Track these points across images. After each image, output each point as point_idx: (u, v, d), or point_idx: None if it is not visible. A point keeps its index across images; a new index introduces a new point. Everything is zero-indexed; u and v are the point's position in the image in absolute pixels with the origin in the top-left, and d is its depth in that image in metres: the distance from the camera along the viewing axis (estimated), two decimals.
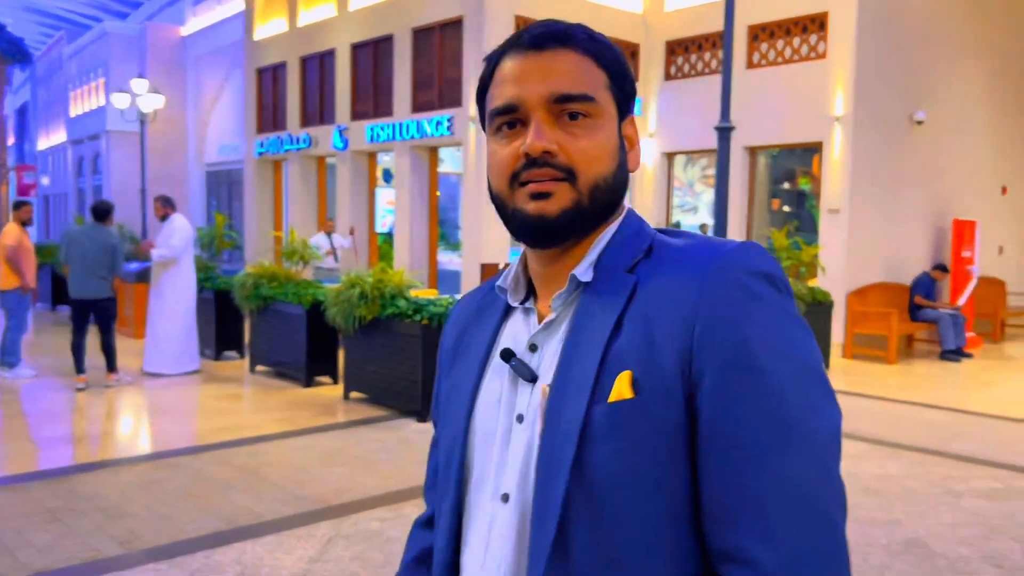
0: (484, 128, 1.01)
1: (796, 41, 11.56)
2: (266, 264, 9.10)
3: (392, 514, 4.71)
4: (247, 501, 4.90)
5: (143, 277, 10.88)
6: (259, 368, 9.09)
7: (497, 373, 1.01)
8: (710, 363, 0.85)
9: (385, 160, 15.01)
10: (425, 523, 1.21)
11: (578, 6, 12.14)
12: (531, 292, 1.04)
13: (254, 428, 6.65)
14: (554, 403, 0.91)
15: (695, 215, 16.01)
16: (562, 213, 0.93)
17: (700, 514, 0.87)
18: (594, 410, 0.88)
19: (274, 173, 16.70)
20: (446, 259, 13.94)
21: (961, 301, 11.91)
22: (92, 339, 8.45)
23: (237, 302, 9.08)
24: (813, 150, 12.23)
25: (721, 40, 12.40)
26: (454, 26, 11.77)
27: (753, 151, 12.19)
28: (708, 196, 16.64)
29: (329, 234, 12.81)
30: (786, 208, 15.71)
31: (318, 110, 14.64)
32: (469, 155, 11.45)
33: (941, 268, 11.39)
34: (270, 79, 15.91)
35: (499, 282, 1.06)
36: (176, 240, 8.63)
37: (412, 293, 7.56)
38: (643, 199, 13.44)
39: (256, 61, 16.36)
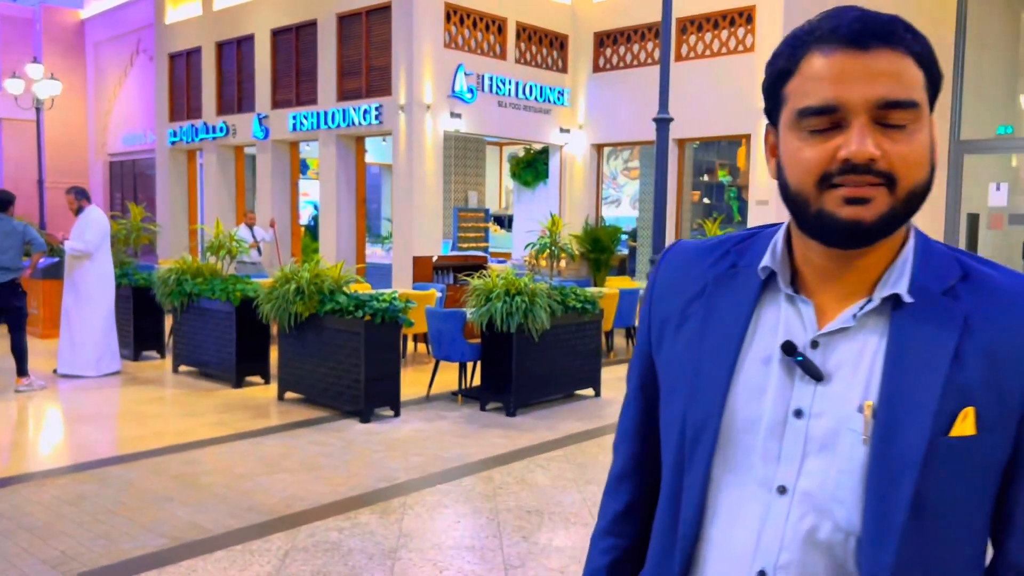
0: (773, 117, 0.97)
1: (724, 34, 11.68)
2: (189, 259, 8.63)
3: (348, 523, 4.46)
4: (190, 514, 4.56)
5: (51, 273, 10.20)
6: (183, 368, 8.63)
7: (760, 359, 0.98)
8: None
9: (306, 150, 14.56)
10: (608, 532, 1.19)
11: None
12: (795, 279, 1.00)
13: (186, 433, 6.26)
14: (886, 424, 0.90)
15: (618, 207, 16.10)
16: (879, 219, 0.90)
17: (998, 530, 0.95)
18: (934, 441, 0.88)
19: (188, 163, 15.99)
20: (369, 252, 13.60)
21: None
22: None
23: (158, 299, 8.59)
24: (735, 143, 12.41)
25: (649, 32, 12.45)
26: (381, 12, 11.43)
27: (681, 143, 12.28)
28: (631, 188, 16.76)
29: (250, 227, 12.32)
30: (706, 200, 15.95)
31: (236, 98, 14.05)
32: (399, 145, 11.15)
33: None
34: (183, 65, 15.19)
35: (765, 261, 1.00)
36: (91, 234, 8.09)
37: (351, 288, 7.27)
38: (573, 192, 13.40)
39: (168, 46, 15.60)
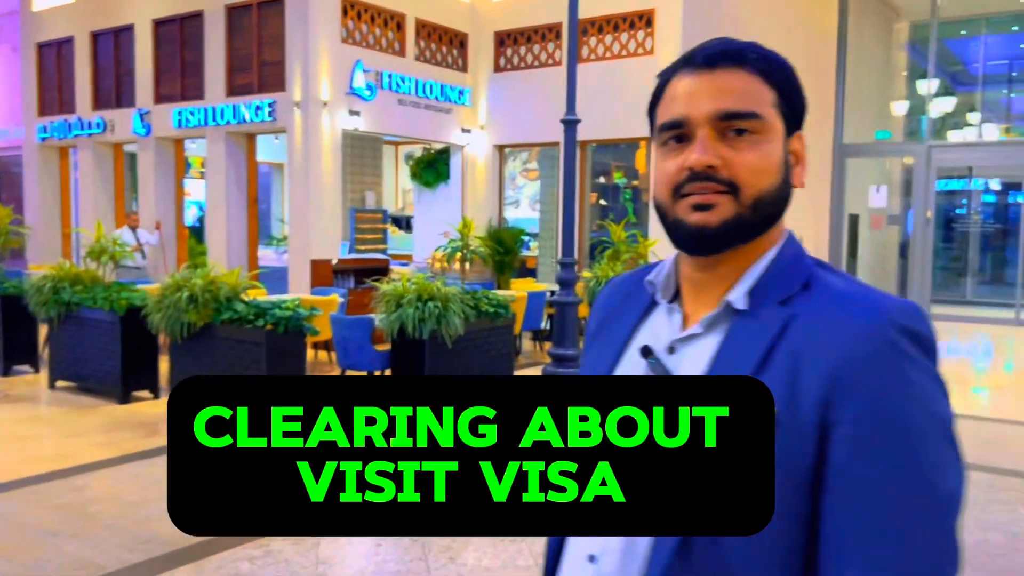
0: (652, 139, 1.04)
1: (624, 37, 11.73)
2: (67, 265, 7.95)
3: (260, 552, 4.11)
4: (79, 549, 4.11)
5: None
6: (60, 384, 7.95)
7: (632, 365, 1.04)
8: (850, 412, 0.87)
9: (192, 148, 13.82)
10: None
11: None
12: (679, 293, 1.06)
13: (69, 457, 5.71)
14: None
15: (517, 208, 16.00)
16: (722, 224, 0.96)
17: (814, 549, 0.90)
18: None
19: (60, 161, 14.91)
20: (261, 254, 13.01)
21: None
22: None
23: (31, 309, 7.87)
24: (633, 145, 12.49)
25: (550, 33, 12.39)
26: (274, 5, 10.92)
27: (583, 145, 12.27)
28: (529, 190, 16.69)
29: (133, 229, 11.57)
30: (603, 201, 16.05)
31: (114, 91, 13.17)
32: (295, 143, 10.68)
33: None
34: (54, 56, 14.14)
35: (650, 276, 1.09)
36: None
37: (249, 295, 6.84)
38: (475, 193, 13.20)
39: (36, 35, 14.49)
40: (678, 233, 0.99)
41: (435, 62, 12.47)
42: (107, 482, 5.19)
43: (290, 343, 6.38)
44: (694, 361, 0.98)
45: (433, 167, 13.56)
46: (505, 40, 12.84)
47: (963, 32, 18.56)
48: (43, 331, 8.39)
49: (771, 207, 0.98)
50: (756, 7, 13.08)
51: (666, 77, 1.02)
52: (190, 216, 16.84)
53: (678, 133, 0.98)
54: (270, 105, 10.88)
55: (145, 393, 7.55)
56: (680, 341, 1.01)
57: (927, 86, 17.73)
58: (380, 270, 11.45)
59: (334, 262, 10.77)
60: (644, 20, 11.49)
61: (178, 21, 12.11)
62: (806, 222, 15.36)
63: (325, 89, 10.68)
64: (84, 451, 5.85)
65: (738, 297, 0.98)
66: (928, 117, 17.14)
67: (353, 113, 10.97)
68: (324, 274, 10.59)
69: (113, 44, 13.08)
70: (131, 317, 7.25)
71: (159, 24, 12.38)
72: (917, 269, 14.98)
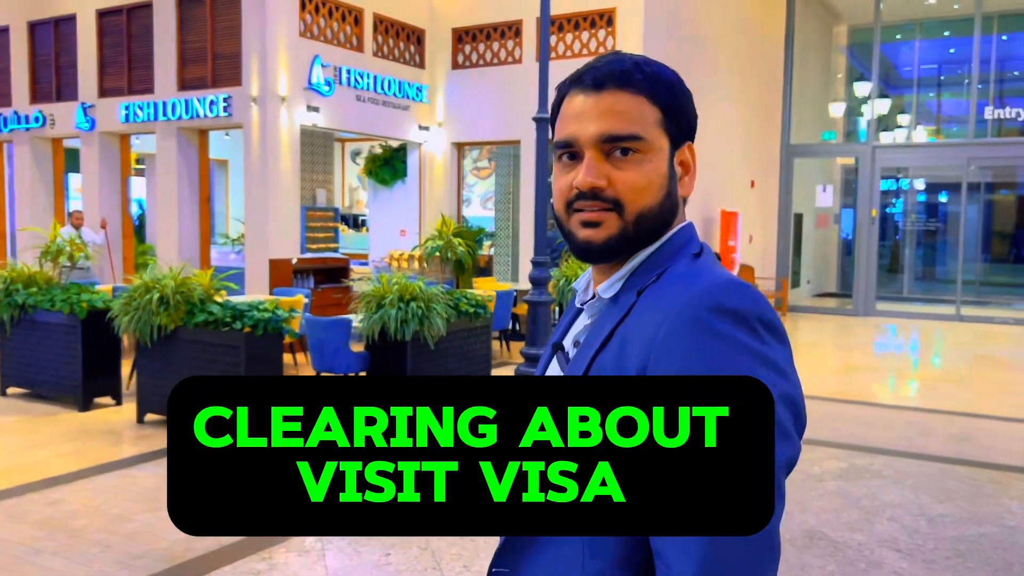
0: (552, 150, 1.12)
1: (585, 36, 11.72)
2: (18, 266, 7.56)
3: (265, 565, 3.95)
4: (69, 567, 3.88)
5: None
6: (11, 391, 7.56)
7: (554, 363, 1.15)
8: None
9: (136, 144, 13.34)
10: None
11: None
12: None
13: (38, 468, 5.41)
14: None
15: (468, 207, 15.88)
16: (607, 240, 1.04)
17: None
18: None
19: None
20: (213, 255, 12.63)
21: None
22: None
23: None
24: None
25: (509, 31, 12.31)
26: None
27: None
28: (481, 188, 16.60)
29: (77, 228, 11.09)
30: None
31: (54, 84, 12.60)
32: (252, 139, 10.37)
33: (715, 257, 12.15)
34: None
35: (576, 283, 1.18)
36: None
37: (221, 296, 6.60)
38: (433, 191, 13.04)
39: None
40: (571, 244, 1.07)
41: (393, 58, 12.27)
42: (84, 495, 4.93)
43: (268, 346, 6.18)
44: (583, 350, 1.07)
45: (390, 165, 13.35)
46: (463, 37, 12.71)
47: (898, 36, 19.16)
48: None
49: (654, 221, 1.05)
50: (711, 10, 13.24)
51: (562, 93, 1.09)
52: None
53: (569, 151, 1.05)
54: (225, 100, 10.54)
55: (107, 399, 7.22)
56: (582, 332, 1.11)
57: (864, 88, 18.26)
58: (340, 270, 11.22)
59: (293, 261, 10.50)
60: (605, 19, 11.50)
61: (124, 12, 11.64)
62: (758, 219, 15.63)
63: (283, 84, 10.41)
64: (51, 462, 5.55)
65: (606, 287, 1.07)
66: (864, 119, 17.67)
67: (312, 109, 10.72)
68: (283, 274, 10.32)
69: (53, 35, 12.51)
70: (92, 320, 6.94)
71: (103, 15, 11.89)
72: (863, 266, 15.38)
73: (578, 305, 1.16)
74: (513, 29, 12.24)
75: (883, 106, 17.31)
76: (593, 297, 1.12)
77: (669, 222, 1.06)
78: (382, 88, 11.86)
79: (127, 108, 11.51)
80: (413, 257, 12.45)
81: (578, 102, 1.04)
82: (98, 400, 7.17)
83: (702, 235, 13.33)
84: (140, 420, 6.60)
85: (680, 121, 1.07)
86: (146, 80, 11.45)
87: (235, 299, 6.82)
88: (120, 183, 12.32)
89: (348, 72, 11.28)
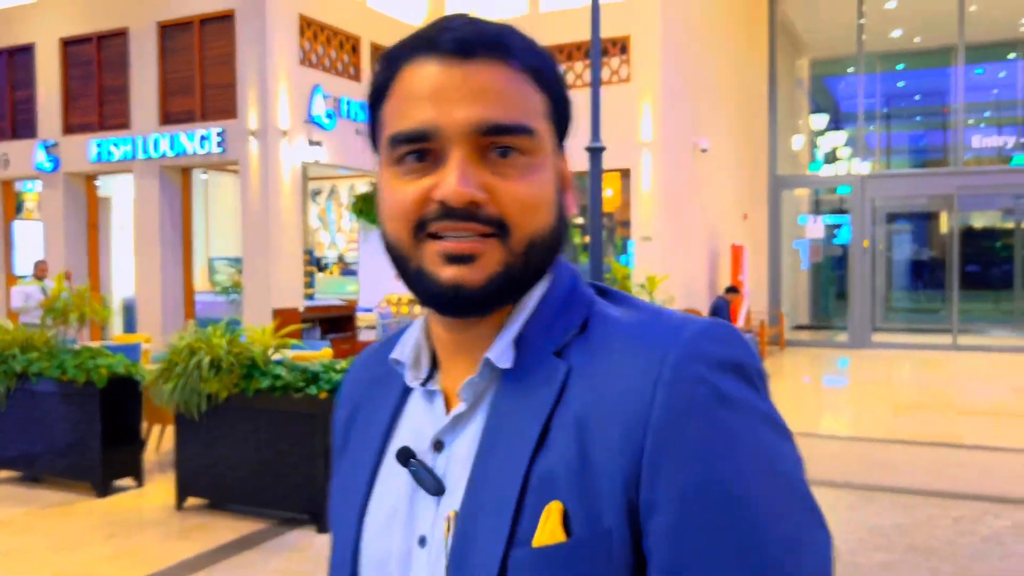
0: (374, 148, 0.77)
1: (579, 66, 11.19)
2: (10, 327, 6.45)
3: None
4: None
5: None
6: (4, 474, 6.39)
7: (393, 475, 0.77)
8: (667, 491, 0.63)
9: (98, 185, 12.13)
10: None
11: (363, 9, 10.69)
12: (436, 367, 0.79)
13: None
14: (460, 539, 0.69)
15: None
16: (488, 281, 0.70)
17: None
18: (513, 554, 0.66)
19: None
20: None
21: (740, 321, 12.35)
22: None
23: None
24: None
25: None
26: (221, 22, 9.65)
27: None
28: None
29: (42, 279, 9.88)
30: None
31: (8, 120, 11.34)
32: (250, 178, 9.40)
33: (732, 290, 11.67)
34: None
35: (395, 353, 0.80)
36: None
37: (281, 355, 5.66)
38: None
39: None
40: (427, 290, 0.72)
41: None
42: None
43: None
44: (467, 453, 0.72)
45: None
46: None
47: (850, 69, 19.39)
48: None
49: (545, 252, 0.73)
50: (710, 43, 12.93)
51: (397, 61, 0.73)
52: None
53: (420, 147, 0.70)
54: (219, 135, 9.56)
55: (127, 481, 6.13)
56: (447, 429, 0.74)
57: (819, 120, 18.35)
58: (346, 318, 10.28)
59: (300, 310, 9.52)
60: (619, 47, 10.99)
61: (95, 40, 10.55)
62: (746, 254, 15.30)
63: (284, 116, 9.50)
64: (97, 569, 4.49)
65: (500, 352, 0.72)
66: (820, 150, 17.74)
67: (314, 143, 9.83)
68: (290, 324, 9.31)
69: (7, 65, 11.28)
70: (113, 390, 5.89)
71: (69, 44, 10.76)
72: (858, 298, 15.17)
73: (411, 383, 0.79)
74: None
75: (839, 138, 17.43)
76: (429, 377, 0.79)
77: (558, 253, 0.76)
78: None
79: (99, 145, 10.38)
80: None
81: (431, 74, 0.70)
82: (117, 483, 6.08)
83: (708, 270, 12.89)
84: (180, 506, 5.56)
85: (565, 115, 0.77)
86: (121, 114, 10.36)
87: (328, 360, 5.86)
88: (86, 229, 11.10)
89: (348, 104, 10.44)
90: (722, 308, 11.45)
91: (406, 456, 0.75)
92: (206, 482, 5.51)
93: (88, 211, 11.08)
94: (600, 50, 7.48)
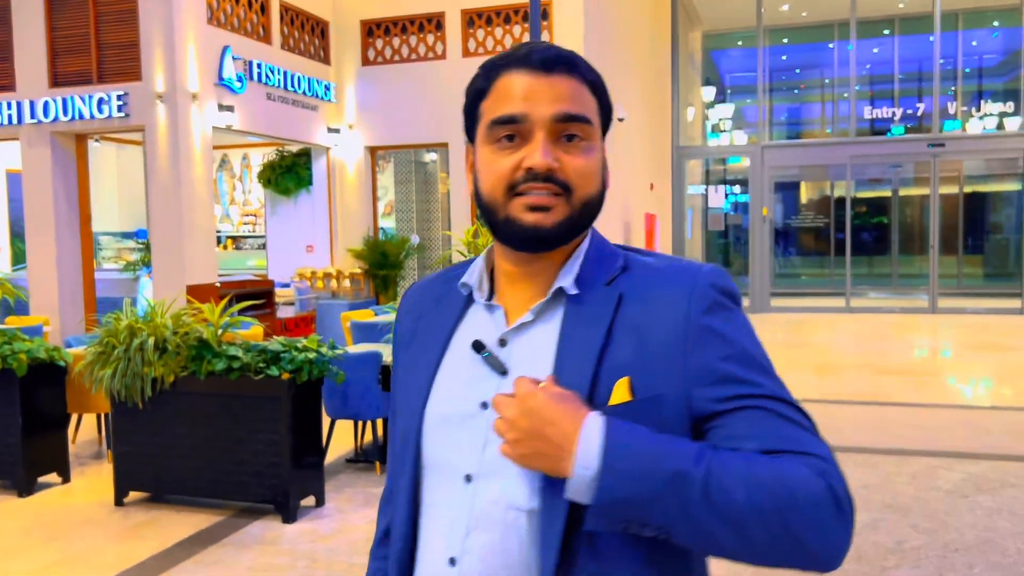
0: (471, 135, 1.08)
1: (517, 30, 10.96)
2: None
3: None
4: None
5: None
6: None
7: (459, 361, 1.06)
8: (710, 359, 0.96)
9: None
10: (381, 543, 1.20)
11: None
12: (493, 291, 1.10)
13: None
14: None
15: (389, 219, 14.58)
16: (557, 225, 1.01)
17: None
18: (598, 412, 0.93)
19: None
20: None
21: None
22: None
23: None
24: None
25: (429, 24, 11.30)
26: None
27: None
28: (392, 195, 15.32)
29: None
30: None
31: None
32: (158, 144, 8.71)
33: None
34: None
35: (464, 278, 1.10)
36: None
37: (232, 336, 5.25)
38: (344, 201, 11.74)
39: None
40: (511, 231, 1.02)
41: (298, 51, 10.89)
42: None
43: (310, 395, 4.93)
44: (530, 349, 1.02)
45: (293, 172, 11.86)
46: (374, 30, 11.52)
47: (739, 43, 19.91)
48: None
49: (595, 209, 1.05)
50: (625, 12, 12.91)
51: (496, 70, 1.04)
52: None
53: (513, 130, 1.01)
54: (120, 98, 8.80)
55: (52, 477, 5.59)
56: (512, 332, 1.04)
57: (709, 93, 18.80)
58: (265, 292, 9.75)
59: (217, 286, 8.95)
60: (541, 13, 10.78)
61: None
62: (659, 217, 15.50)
63: (193, 79, 8.84)
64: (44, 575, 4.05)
65: (568, 284, 1.03)
66: (710, 123, 18.19)
67: (224, 108, 9.20)
68: (206, 301, 8.72)
69: None
70: (34, 378, 5.33)
71: None
72: (757, 265, 15.65)
73: (479, 300, 1.09)
74: (433, 22, 11.23)
75: (727, 110, 17.90)
76: (486, 294, 1.09)
77: (599, 212, 1.06)
78: (293, 85, 10.48)
79: None
80: (329, 275, 11.15)
81: (524, 81, 1.01)
82: (40, 479, 5.52)
83: (622, 240, 12.96)
84: (120, 502, 5.10)
85: (607, 116, 1.08)
86: (3, 75, 9.39)
87: (288, 340, 5.43)
88: None
89: (259, 67, 9.83)
90: None
91: (479, 346, 1.03)
92: (149, 474, 5.06)
93: None
94: (538, 15, 7.26)
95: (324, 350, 4.92)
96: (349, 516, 4.86)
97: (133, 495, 5.18)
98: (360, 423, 6.09)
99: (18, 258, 13.74)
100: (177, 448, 4.97)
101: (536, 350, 1.01)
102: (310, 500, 5.01)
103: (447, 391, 1.04)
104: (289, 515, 4.74)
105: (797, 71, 20.39)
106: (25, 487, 5.34)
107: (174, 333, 4.92)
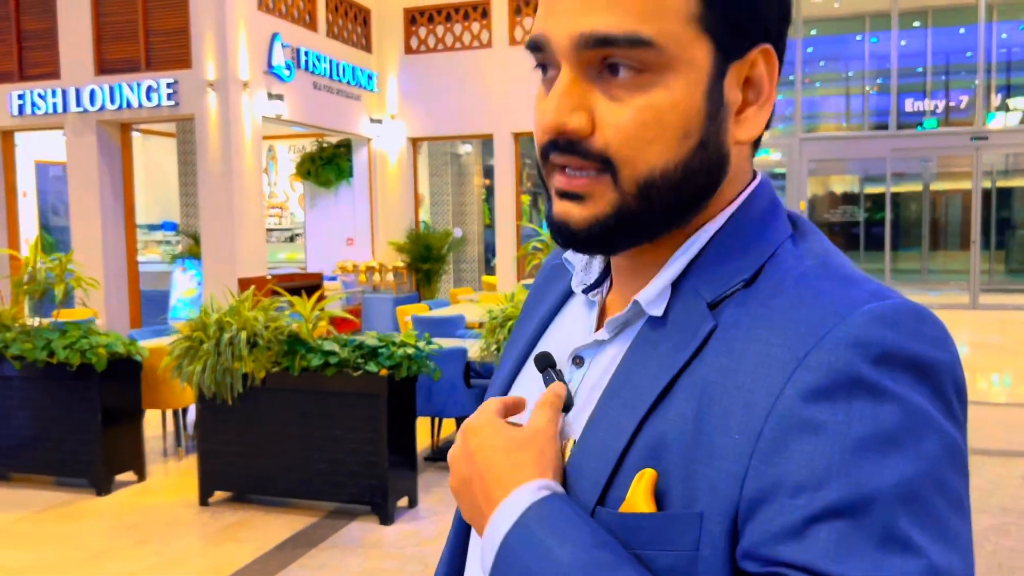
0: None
1: None
2: None
3: None
4: None
5: None
6: None
7: (529, 378, 0.75)
8: (781, 483, 0.53)
9: (29, 143, 10.89)
10: None
11: None
12: (608, 275, 0.74)
13: None
14: (572, 471, 0.64)
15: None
16: (593, 222, 0.63)
17: None
18: (599, 511, 0.61)
19: None
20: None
21: None
22: None
23: None
24: None
25: (475, 11, 11.09)
26: None
27: (517, 137, 11.10)
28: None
29: None
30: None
31: None
32: (208, 134, 8.52)
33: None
34: None
35: (566, 252, 0.76)
36: None
37: (324, 330, 5.06)
38: (386, 193, 11.55)
39: None
40: (547, 218, 0.67)
41: (342, 39, 10.69)
42: None
43: (405, 394, 4.75)
44: (600, 373, 0.68)
45: (333, 164, 11.66)
46: (417, 18, 11.31)
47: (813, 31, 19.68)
48: None
49: (673, 193, 0.62)
50: None
51: None
52: None
53: (541, 59, 0.64)
54: (169, 86, 8.60)
55: (128, 475, 5.41)
56: (588, 349, 0.70)
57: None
58: (314, 286, 9.56)
59: (268, 278, 8.77)
60: None
61: None
62: None
63: (244, 67, 8.64)
64: None
65: (651, 297, 0.65)
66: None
67: (274, 97, 9.00)
68: (259, 294, 8.55)
69: None
70: (113, 373, 5.15)
71: None
72: None
73: (575, 288, 0.75)
74: (479, 9, 11.02)
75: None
76: (596, 284, 0.74)
77: (708, 189, 0.63)
78: (338, 74, 10.28)
79: (20, 98, 9.19)
80: (372, 269, 10.97)
81: None
82: (117, 478, 5.35)
83: None
84: (204, 502, 4.92)
85: (741, 11, 0.60)
86: (47, 62, 9.19)
87: (384, 335, 5.23)
88: (5, 193, 9.88)
89: (306, 55, 9.63)
90: None
91: (543, 362, 0.71)
92: (236, 473, 4.88)
93: (5, 172, 9.85)
94: None
95: (422, 345, 4.73)
96: (445, 517, 4.68)
97: (219, 495, 5.00)
98: (437, 419, 5.91)
99: (47, 249, 13.59)
100: (266, 446, 4.78)
101: (598, 386, 0.68)
102: (403, 500, 4.83)
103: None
104: (387, 516, 4.55)
105: (821, 63, 20.17)
106: (104, 486, 5.16)
107: (265, 327, 4.73)
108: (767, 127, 0.66)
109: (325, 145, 11.72)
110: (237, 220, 8.53)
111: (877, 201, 16.02)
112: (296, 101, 9.47)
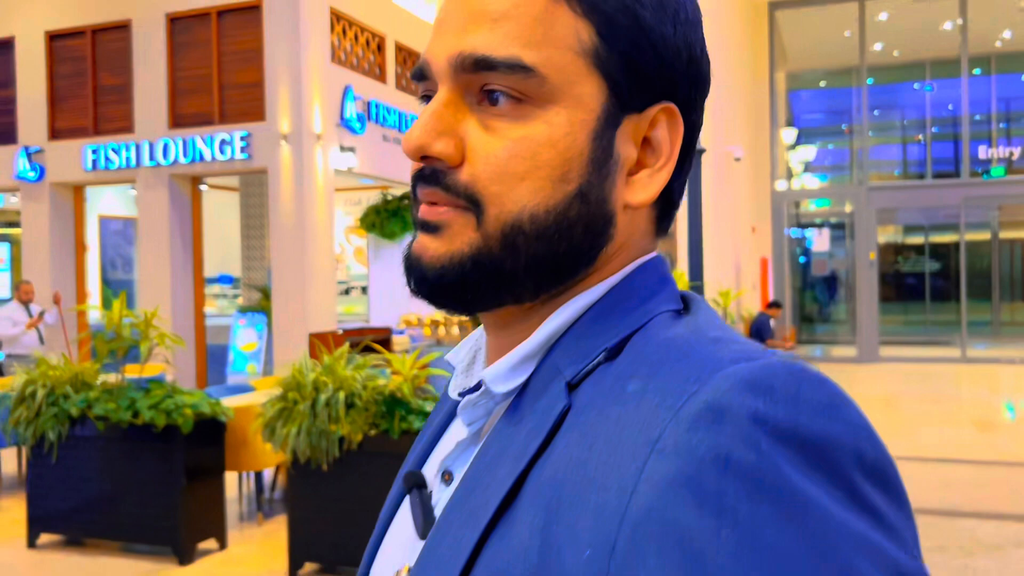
0: None
1: None
2: (53, 361, 5.39)
3: None
4: None
5: None
6: (44, 538, 5.29)
7: (410, 515, 0.61)
8: None
9: (93, 197, 10.92)
10: None
11: None
12: None
13: None
14: None
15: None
16: (444, 264, 0.55)
17: None
18: None
19: None
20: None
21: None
22: None
23: None
24: None
25: None
26: (245, 13, 8.66)
27: None
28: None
29: (26, 304, 8.71)
30: None
31: None
32: (281, 187, 8.42)
33: (776, 305, 11.19)
34: None
35: (448, 354, 0.67)
36: None
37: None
38: None
39: None
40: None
41: (410, 91, 10.63)
42: None
43: None
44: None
45: (399, 216, 11.53)
46: None
47: (822, 83, 19.44)
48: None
49: (546, 243, 0.54)
50: (728, 50, 12.52)
51: None
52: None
53: (424, 89, 0.58)
54: (243, 139, 8.54)
55: (210, 543, 5.13)
56: (454, 458, 0.58)
57: (790, 134, 18.26)
58: (383, 340, 9.34)
59: (340, 334, 8.55)
60: None
61: (88, 34, 9.38)
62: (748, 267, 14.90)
63: (317, 119, 8.56)
64: None
65: (497, 372, 0.55)
66: (791, 164, 17.64)
67: (346, 149, 8.90)
68: (331, 350, 8.34)
69: None
70: (199, 435, 4.92)
71: (56, 38, 9.56)
72: (865, 311, 14.91)
73: (454, 396, 0.63)
74: None
75: (808, 152, 17.33)
76: (477, 388, 0.57)
77: (584, 250, 0.55)
78: (406, 126, 10.18)
79: (95, 152, 9.20)
80: (437, 323, 10.72)
81: None
82: (200, 546, 5.07)
83: (735, 286, 12.38)
84: (294, 574, 4.61)
85: (643, 56, 0.54)
86: (120, 117, 9.21)
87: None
88: (74, 246, 9.86)
89: (376, 107, 9.56)
90: (765, 326, 10.92)
91: (412, 482, 0.60)
92: (327, 543, 4.58)
93: (75, 225, 9.84)
94: None
95: None
96: None
97: (309, 566, 4.69)
98: None
99: (106, 305, 13.62)
100: (361, 515, 4.47)
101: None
102: None
103: (390, 547, 0.64)
104: None
105: (875, 112, 19.82)
106: (187, 554, 4.88)
107: (363, 387, 4.47)
108: (673, 202, 0.58)
109: (390, 198, 11.61)
110: (308, 274, 8.36)
111: (941, 251, 15.50)
112: (366, 153, 9.37)
